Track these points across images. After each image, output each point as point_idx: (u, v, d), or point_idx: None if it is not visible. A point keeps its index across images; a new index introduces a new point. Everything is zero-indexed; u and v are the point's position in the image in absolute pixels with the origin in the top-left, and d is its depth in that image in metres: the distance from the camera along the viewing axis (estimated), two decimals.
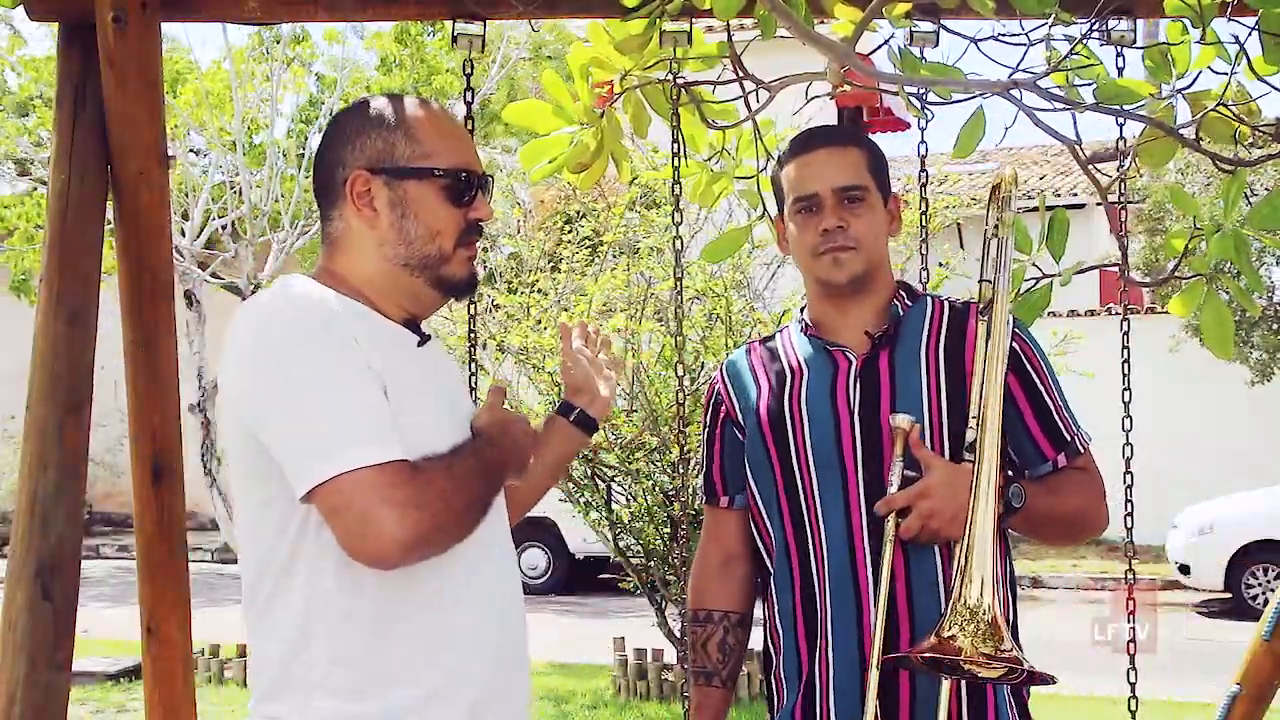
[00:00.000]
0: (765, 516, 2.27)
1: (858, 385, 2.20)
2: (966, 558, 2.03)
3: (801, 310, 2.35)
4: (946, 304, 2.29)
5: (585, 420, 2.17)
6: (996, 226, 2.24)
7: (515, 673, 1.87)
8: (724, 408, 2.34)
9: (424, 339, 1.90)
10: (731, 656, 2.32)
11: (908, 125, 16.47)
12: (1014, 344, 2.22)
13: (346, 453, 1.63)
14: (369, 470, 1.63)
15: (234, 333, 1.76)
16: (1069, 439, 2.25)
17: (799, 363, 2.28)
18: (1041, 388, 2.24)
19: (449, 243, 1.86)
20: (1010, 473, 2.20)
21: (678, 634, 7.24)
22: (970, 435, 2.13)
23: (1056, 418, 2.24)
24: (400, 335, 1.86)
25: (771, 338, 2.38)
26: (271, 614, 1.76)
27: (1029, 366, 2.24)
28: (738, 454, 2.31)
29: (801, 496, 2.21)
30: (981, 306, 2.21)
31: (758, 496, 2.28)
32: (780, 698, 2.26)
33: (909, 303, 2.27)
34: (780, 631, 2.25)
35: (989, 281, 2.22)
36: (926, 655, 2.00)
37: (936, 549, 2.14)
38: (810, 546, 2.19)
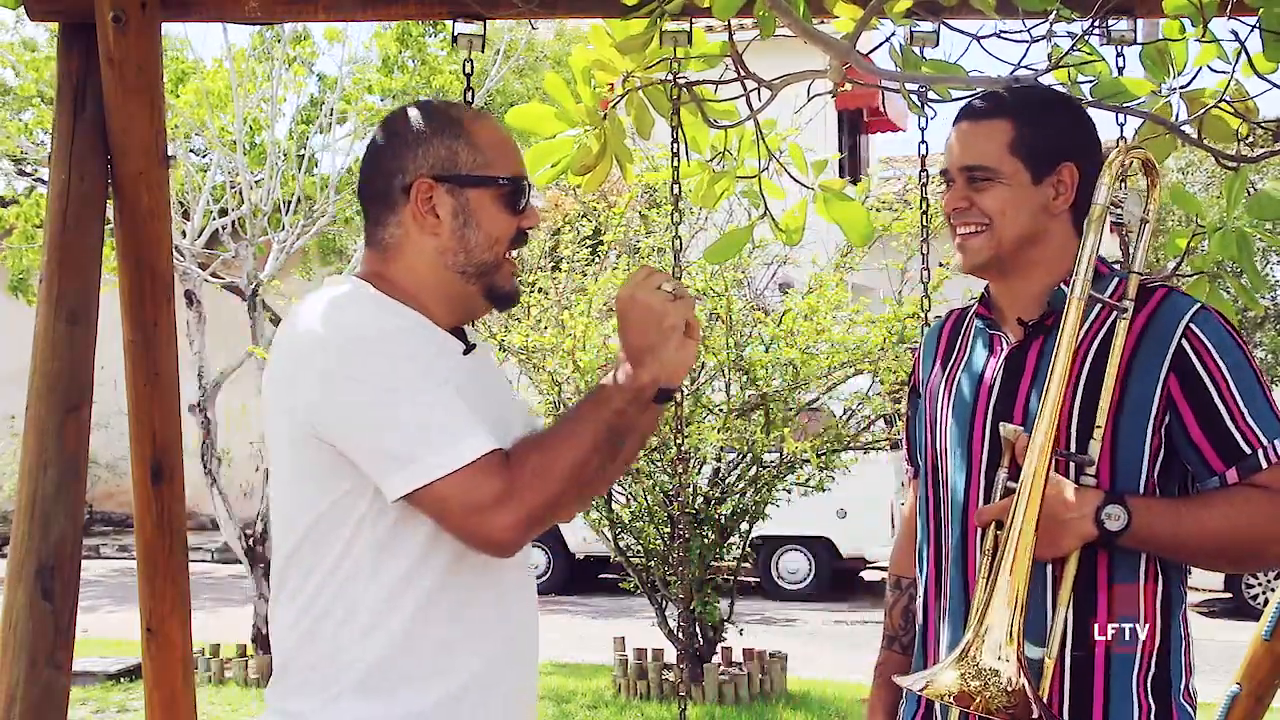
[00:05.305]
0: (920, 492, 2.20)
1: (1000, 374, 2.06)
2: (983, 610, 1.85)
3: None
4: (1133, 290, 2.00)
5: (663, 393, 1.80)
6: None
7: (528, 683, 1.95)
8: (914, 378, 2.29)
9: (469, 347, 1.93)
10: (914, 623, 2.24)
11: (905, 127, 16.51)
12: (1183, 339, 1.94)
13: (437, 457, 1.67)
14: (461, 471, 1.67)
15: (295, 339, 1.77)
16: (1249, 452, 1.91)
17: (967, 339, 2.18)
18: (1214, 390, 1.92)
19: (503, 249, 1.89)
20: (1113, 489, 1.95)
21: (677, 634, 7.24)
22: (1094, 447, 1.93)
23: (1231, 425, 1.92)
24: (448, 342, 1.88)
25: (967, 308, 2.26)
26: (305, 610, 1.78)
27: (1197, 364, 1.93)
28: (922, 425, 2.23)
29: (939, 478, 2.12)
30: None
31: (922, 471, 2.21)
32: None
33: None
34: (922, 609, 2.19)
35: (1137, 273, 1.98)
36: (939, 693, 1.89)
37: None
38: (941, 531, 2.11)
